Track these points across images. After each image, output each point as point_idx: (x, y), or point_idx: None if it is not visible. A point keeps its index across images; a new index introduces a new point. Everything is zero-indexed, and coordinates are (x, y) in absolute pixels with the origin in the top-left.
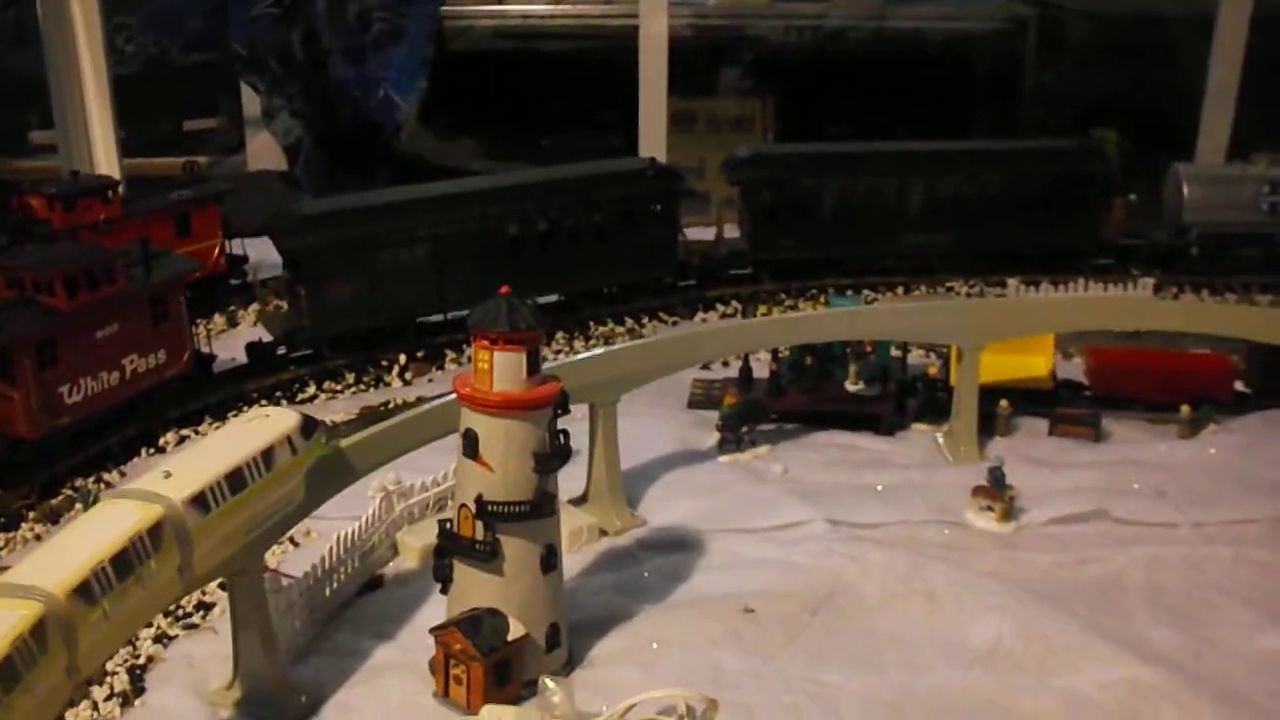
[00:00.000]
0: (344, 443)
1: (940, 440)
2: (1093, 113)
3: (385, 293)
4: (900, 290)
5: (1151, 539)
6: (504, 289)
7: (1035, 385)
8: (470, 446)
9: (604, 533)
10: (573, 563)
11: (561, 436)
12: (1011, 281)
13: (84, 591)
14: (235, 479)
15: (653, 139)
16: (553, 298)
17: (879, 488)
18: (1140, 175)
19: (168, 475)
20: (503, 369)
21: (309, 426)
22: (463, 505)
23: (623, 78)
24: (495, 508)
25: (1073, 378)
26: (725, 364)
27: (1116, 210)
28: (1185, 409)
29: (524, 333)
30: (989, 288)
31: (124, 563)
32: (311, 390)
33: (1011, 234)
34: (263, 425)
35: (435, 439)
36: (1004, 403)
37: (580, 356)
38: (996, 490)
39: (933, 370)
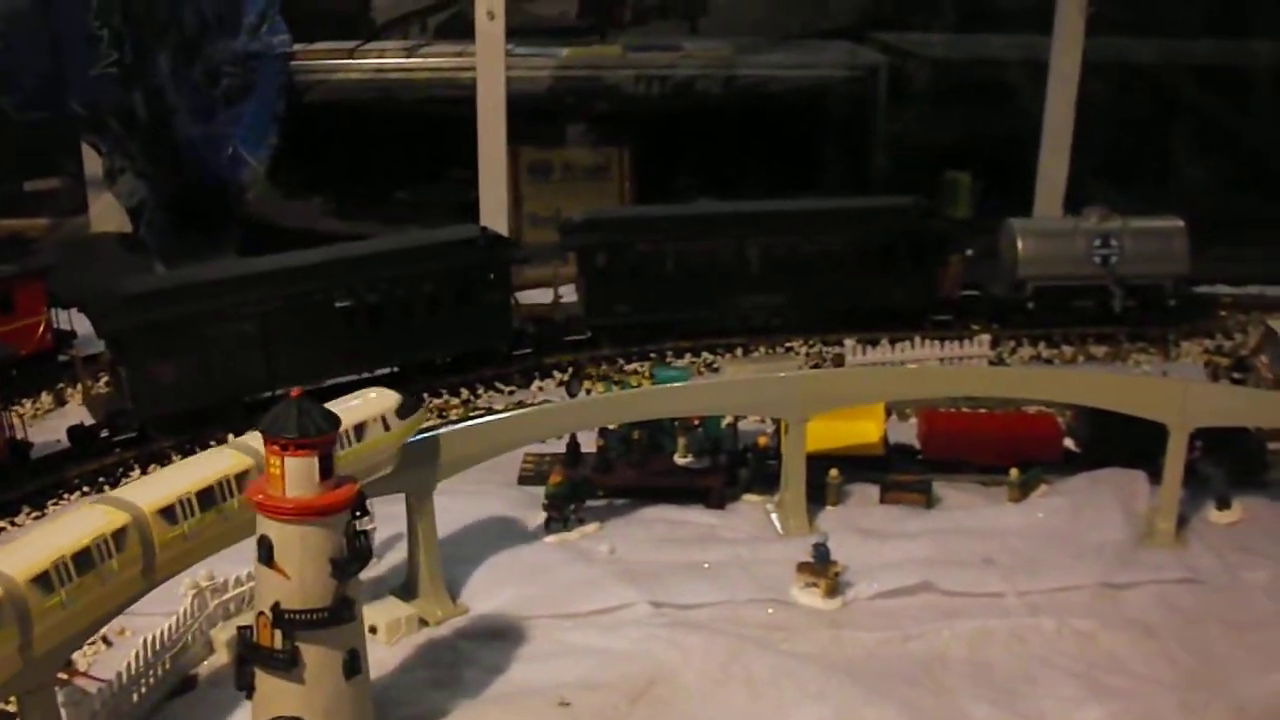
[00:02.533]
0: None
1: (771, 512)
2: (945, 157)
3: (211, 372)
4: (740, 351)
5: (977, 611)
6: (295, 391)
7: (867, 452)
8: (265, 553)
9: (425, 623)
10: (391, 656)
11: (360, 539)
12: (848, 341)
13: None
14: None
15: (492, 196)
16: (385, 371)
17: (705, 565)
18: (997, 214)
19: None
20: (295, 474)
21: (407, 406)
22: (261, 613)
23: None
24: (293, 616)
25: (908, 440)
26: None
27: (952, 266)
28: (1014, 472)
29: (315, 438)
30: (828, 347)
31: (208, 496)
32: (137, 474)
33: (849, 293)
34: (363, 403)
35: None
36: (834, 472)
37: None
38: (821, 566)
39: (763, 440)
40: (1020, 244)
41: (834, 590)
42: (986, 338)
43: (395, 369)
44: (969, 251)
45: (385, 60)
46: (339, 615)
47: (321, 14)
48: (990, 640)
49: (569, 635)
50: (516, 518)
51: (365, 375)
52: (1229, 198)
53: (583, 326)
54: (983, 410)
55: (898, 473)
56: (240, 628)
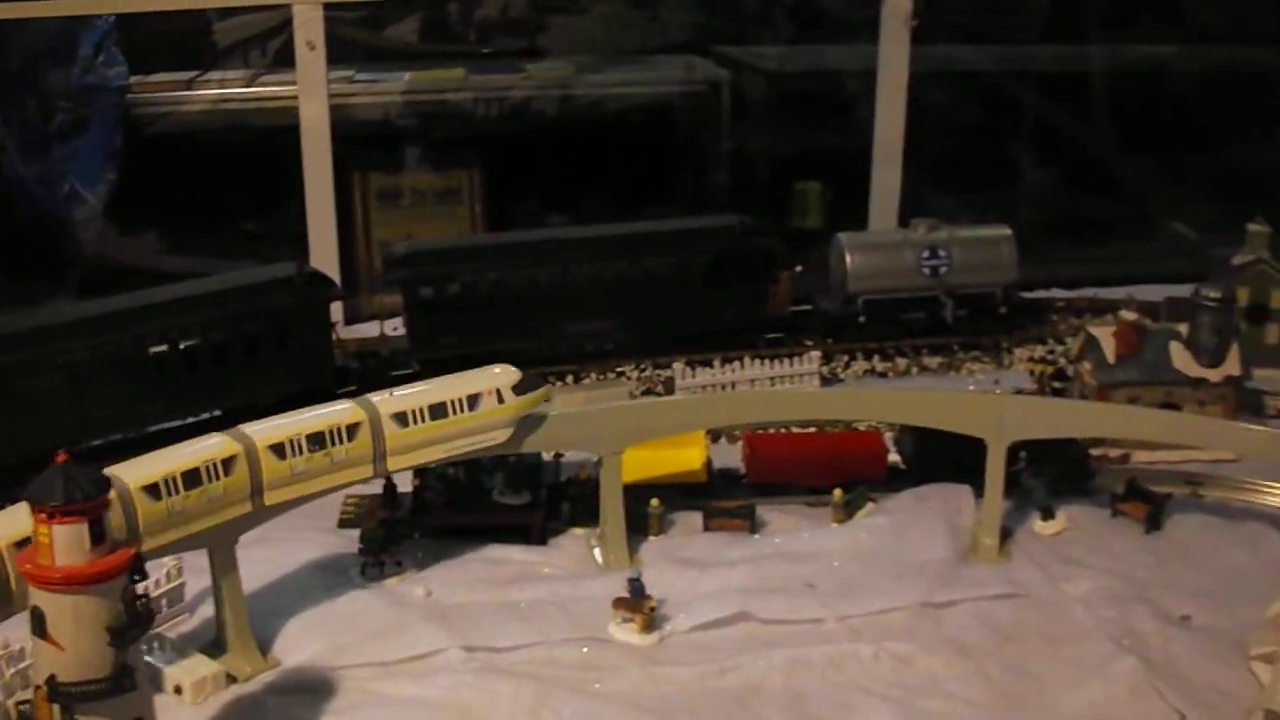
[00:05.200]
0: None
1: (594, 546)
2: (792, 169)
3: (17, 428)
4: (570, 379)
5: (795, 639)
6: (61, 457)
7: (690, 479)
8: (38, 625)
9: (233, 679)
10: (197, 716)
11: (140, 603)
12: (676, 364)
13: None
14: (437, 409)
15: (320, 229)
16: (207, 415)
17: (522, 605)
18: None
19: (391, 394)
20: (63, 542)
21: (524, 385)
22: (38, 687)
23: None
24: (69, 689)
25: (736, 464)
26: None
27: (782, 283)
28: (838, 493)
29: (82, 503)
30: (659, 370)
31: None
32: None
33: (678, 315)
34: (480, 376)
35: None
36: (654, 502)
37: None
38: (636, 601)
39: (584, 473)
40: (848, 258)
41: (650, 625)
42: (817, 354)
43: (217, 413)
44: (798, 268)
45: (226, 90)
46: (119, 685)
47: (161, 42)
48: (807, 669)
49: (379, 685)
50: (334, 564)
51: (188, 421)
52: (1070, 201)
53: (409, 360)
54: (807, 430)
55: (722, 499)
56: (19, 703)
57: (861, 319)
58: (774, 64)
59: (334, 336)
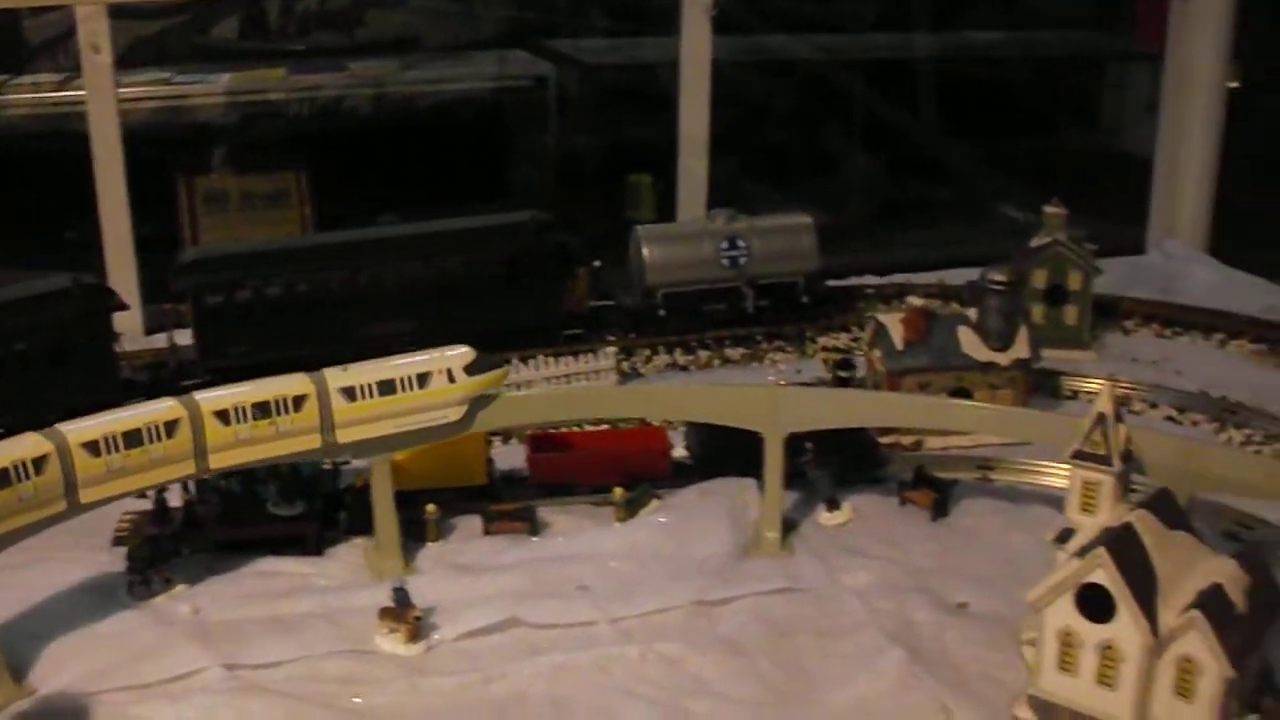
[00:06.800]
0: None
1: (367, 556)
2: (623, 161)
3: None
4: None
5: (564, 644)
6: None
7: (470, 483)
8: None
9: None
10: None
11: None
12: None
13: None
14: (386, 385)
15: (116, 237)
16: None
17: (291, 619)
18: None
19: (345, 369)
20: None
21: (478, 365)
22: None
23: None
24: None
25: (522, 465)
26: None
27: (580, 279)
28: (619, 491)
29: None
30: None
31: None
32: None
33: (474, 314)
34: (433, 356)
35: None
36: (431, 507)
37: None
38: (401, 610)
39: (359, 481)
40: (646, 251)
41: (416, 635)
42: (612, 350)
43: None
44: (597, 263)
45: (40, 95)
46: None
47: None
48: (573, 675)
49: (136, 709)
50: (103, 583)
51: None
52: (898, 188)
53: (198, 370)
54: (589, 428)
55: (503, 501)
56: None
57: (661, 312)
58: (598, 57)
59: (118, 348)
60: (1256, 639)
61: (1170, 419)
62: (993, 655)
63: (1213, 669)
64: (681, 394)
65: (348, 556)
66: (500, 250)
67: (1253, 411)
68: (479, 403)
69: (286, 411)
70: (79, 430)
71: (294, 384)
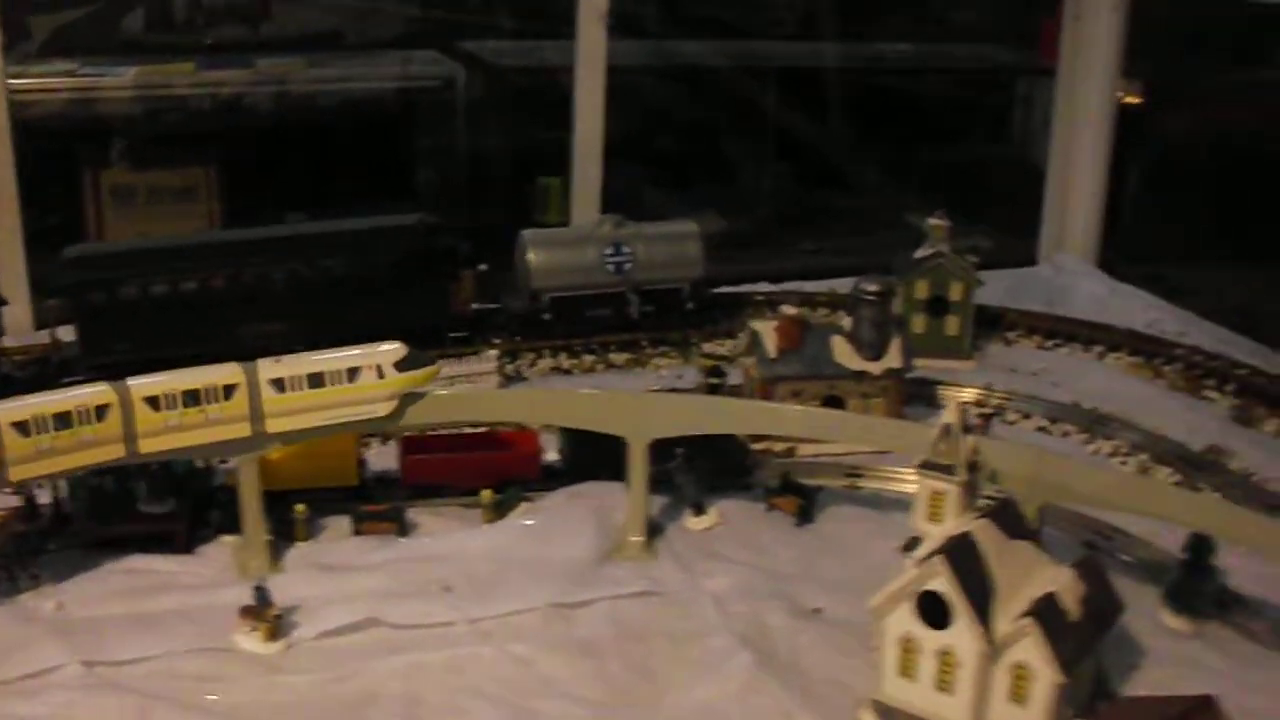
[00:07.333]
0: None
1: (235, 555)
2: (530, 164)
3: None
4: None
5: (421, 643)
6: None
7: (341, 483)
8: None
9: None
10: None
11: None
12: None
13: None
14: (315, 378)
15: (6, 229)
16: None
17: (154, 616)
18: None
19: (278, 361)
20: None
21: (409, 361)
22: None
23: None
24: None
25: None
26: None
27: (465, 282)
28: (486, 493)
29: None
30: None
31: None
32: None
33: (358, 316)
34: (365, 351)
35: None
36: (299, 507)
37: None
38: (261, 609)
39: (232, 479)
40: (531, 255)
41: (275, 633)
42: (494, 353)
43: None
44: (483, 266)
45: None
46: None
47: None
48: (426, 674)
49: None
50: None
51: None
52: (797, 197)
53: (80, 368)
54: (462, 430)
55: (375, 501)
56: None
57: (547, 316)
58: (507, 59)
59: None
60: (1090, 646)
61: (1042, 429)
62: (842, 660)
63: (1045, 675)
64: (549, 398)
65: (217, 555)
66: (387, 252)
67: (1122, 423)
68: (409, 399)
69: (217, 400)
70: (9, 410)
71: (225, 373)
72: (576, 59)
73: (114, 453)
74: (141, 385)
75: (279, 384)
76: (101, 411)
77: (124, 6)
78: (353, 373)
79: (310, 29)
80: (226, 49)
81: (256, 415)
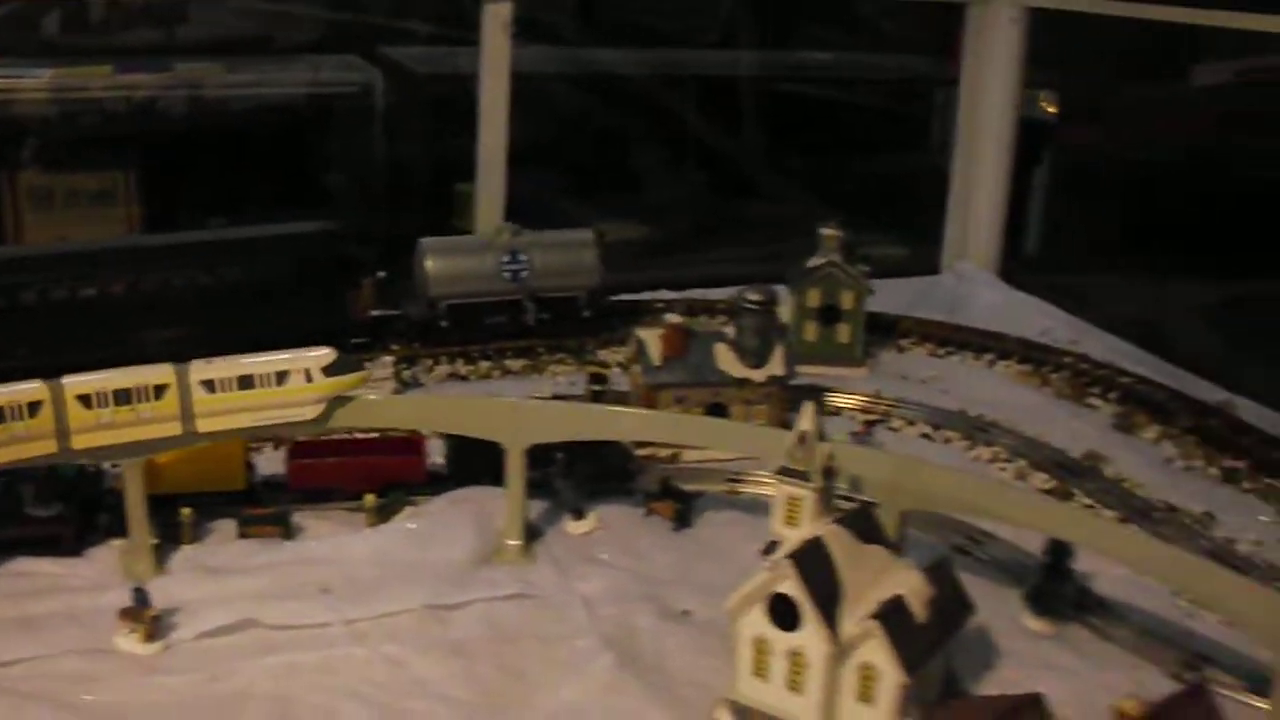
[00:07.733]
0: None
1: (121, 558)
2: (449, 171)
3: None
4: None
5: (297, 644)
6: None
7: (228, 487)
8: None
9: None
10: None
11: None
12: None
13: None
14: (245, 380)
15: None
16: None
17: (36, 618)
18: None
19: (209, 362)
20: None
21: (338, 366)
22: None
23: None
24: None
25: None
26: None
27: (365, 289)
28: (369, 497)
29: None
30: None
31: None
32: None
33: (257, 322)
34: (295, 356)
35: None
36: (185, 510)
37: None
38: (139, 610)
39: (120, 483)
40: (429, 263)
41: (153, 634)
42: (389, 359)
43: None
44: (381, 273)
45: None
46: None
47: None
48: (300, 673)
49: None
50: None
51: None
52: (712, 205)
53: None
54: (348, 435)
55: (262, 505)
56: None
57: (444, 323)
58: (425, 65)
59: None
60: (938, 647)
61: (925, 436)
62: (705, 661)
63: (890, 675)
64: (433, 405)
65: (103, 558)
66: (287, 259)
67: (1005, 430)
68: (337, 402)
69: (148, 399)
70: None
71: (157, 373)
72: (481, 67)
73: (46, 448)
74: (74, 383)
75: (210, 385)
76: (34, 408)
77: (42, 8)
78: (281, 376)
79: (231, 33)
80: (143, 52)
81: (187, 415)
